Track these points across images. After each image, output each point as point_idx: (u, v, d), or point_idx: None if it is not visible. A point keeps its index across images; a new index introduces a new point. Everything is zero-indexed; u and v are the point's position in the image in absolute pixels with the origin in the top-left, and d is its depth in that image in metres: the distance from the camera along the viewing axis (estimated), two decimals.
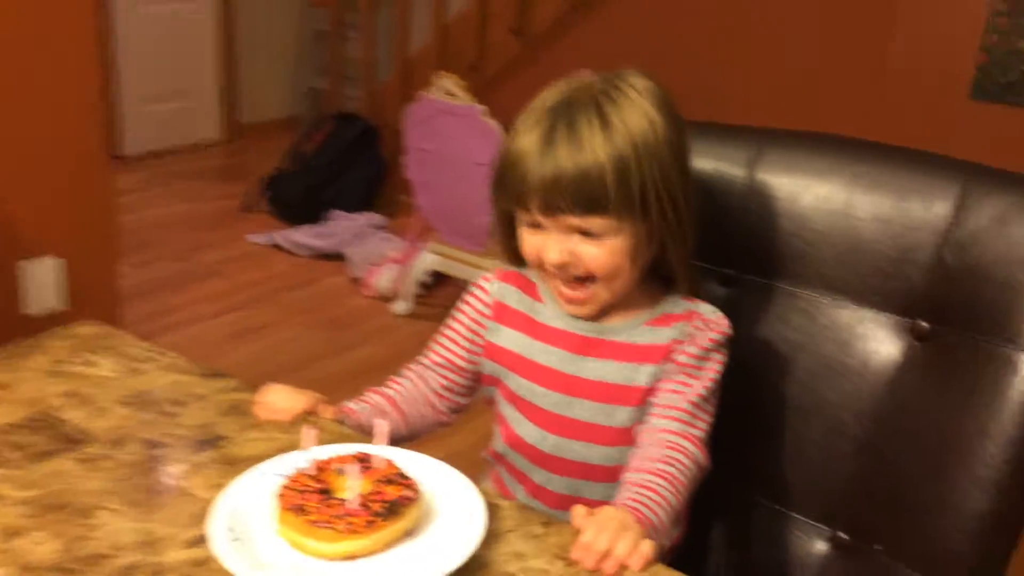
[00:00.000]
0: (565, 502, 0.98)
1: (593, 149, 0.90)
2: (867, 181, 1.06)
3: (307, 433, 0.77)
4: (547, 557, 0.75)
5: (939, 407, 1.00)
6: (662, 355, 0.98)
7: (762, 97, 2.98)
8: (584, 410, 1.00)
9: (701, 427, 0.96)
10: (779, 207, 1.10)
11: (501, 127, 2.69)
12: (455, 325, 1.08)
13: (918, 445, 1.00)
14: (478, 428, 1.24)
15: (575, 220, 0.92)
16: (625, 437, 0.99)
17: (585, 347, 1.00)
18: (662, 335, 0.99)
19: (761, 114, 1.08)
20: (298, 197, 3.74)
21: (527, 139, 0.93)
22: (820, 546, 1.07)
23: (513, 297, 1.05)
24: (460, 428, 1.17)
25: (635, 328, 1.00)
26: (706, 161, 1.12)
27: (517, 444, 1.04)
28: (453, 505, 0.79)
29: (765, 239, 1.11)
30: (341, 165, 3.82)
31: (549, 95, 0.96)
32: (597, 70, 0.98)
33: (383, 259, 3.23)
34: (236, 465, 0.85)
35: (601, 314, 1.00)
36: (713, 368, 0.98)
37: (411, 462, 0.83)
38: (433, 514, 0.78)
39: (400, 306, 3.06)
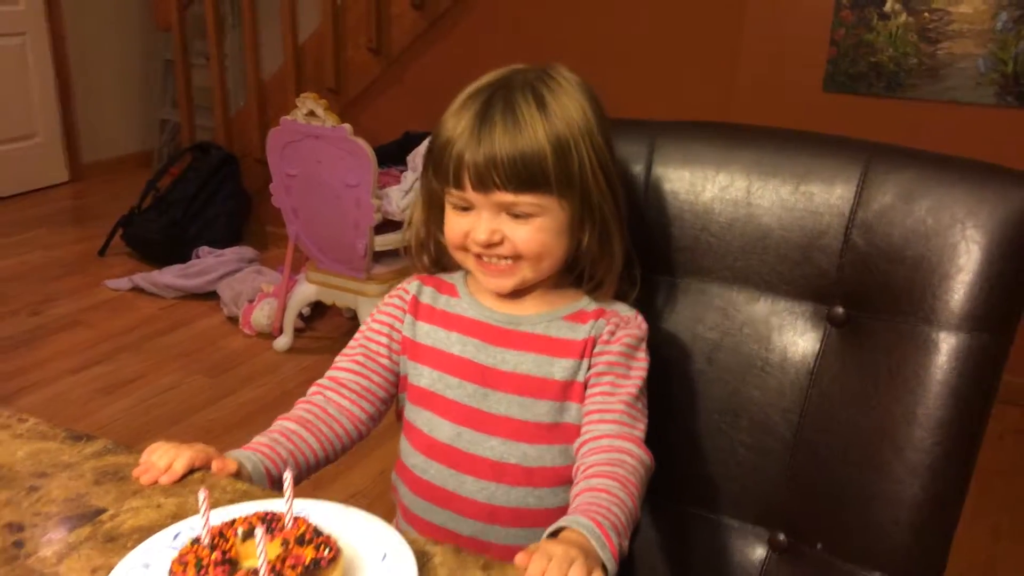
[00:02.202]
0: (481, 512, 0.97)
1: (532, 128, 0.90)
2: (765, 167, 1.04)
3: (201, 497, 0.66)
4: None
5: (863, 395, 0.97)
6: (579, 351, 0.97)
7: (613, 95, 2.99)
8: (500, 403, 0.97)
9: (639, 427, 0.93)
10: (680, 200, 1.07)
11: (370, 147, 2.60)
12: (374, 324, 1.04)
13: (847, 436, 0.98)
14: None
15: (508, 197, 0.91)
16: (544, 434, 0.97)
17: (501, 337, 0.99)
18: (579, 331, 0.98)
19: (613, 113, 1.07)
20: (159, 236, 3.53)
21: (463, 118, 0.92)
22: (759, 551, 1.04)
23: (429, 295, 1.04)
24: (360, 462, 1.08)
25: (552, 322, 0.99)
26: None
27: (430, 448, 1.00)
28: (378, 560, 0.70)
29: (670, 236, 1.07)
30: (202, 199, 3.63)
31: (482, 80, 0.96)
32: (527, 63, 0.99)
33: (258, 294, 3.07)
34: (118, 541, 0.73)
35: (519, 297, 0.99)
36: (640, 366, 0.97)
37: (324, 514, 0.74)
38: (357, 573, 0.69)
39: (281, 342, 2.91)
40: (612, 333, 0.97)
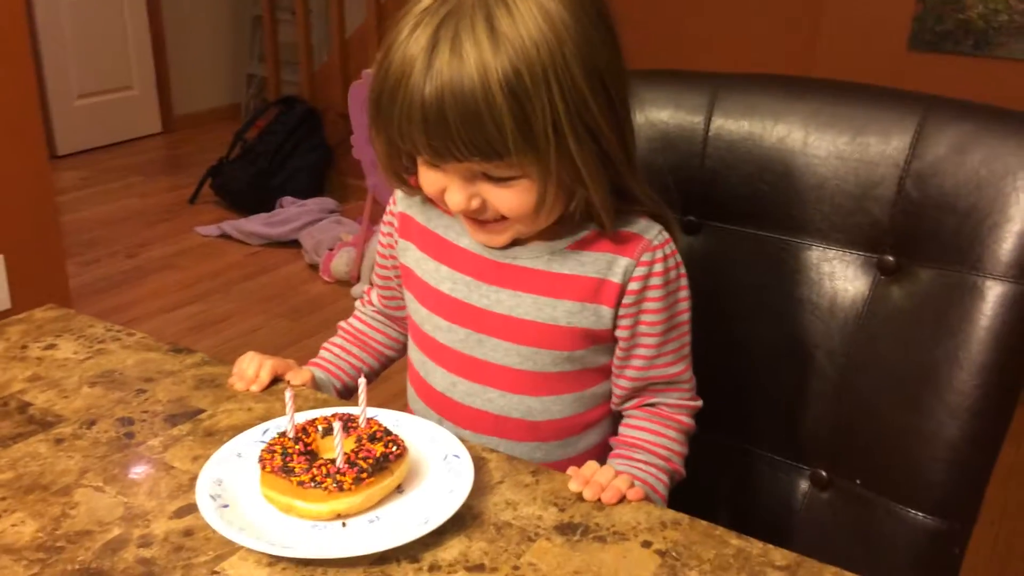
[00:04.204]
0: None
1: (480, 71, 0.71)
2: (823, 119, 1.07)
3: (288, 397, 0.75)
4: (540, 503, 0.74)
5: (909, 339, 1.01)
6: (589, 292, 0.85)
7: (691, 51, 2.97)
8: (497, 351, 0.87)
9: (684, 385, 0.95)
10: (738, 151, 1.10)
11: None
12: (380, 248, 1.00)
13: (891, 378, 1.02)
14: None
15: (475, 165, 0.77)
16: (550, 386, 0.88)
17: (495, 274, 0.87)
18: (587, 264, 0.85)
19: (693, 66, 1.10)
20: (245, 186, 3.68)
21: (408, 51, 0.73)
22: (801, 485, 1.08)
23: (419, 208, 0.92)
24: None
25: (555, 253, 0.86)
26: (662, 109, 1.13)
27: (427, 393, 0.94)
28: (439, 460, 0.78)
29: (727, 184, 1.11)
30: (287, 151, 3.76)
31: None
32: None
33: (338, 243, 3.20)
34: (215, 436, 0.83)
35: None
36: (682, 308, 0.90)
37: (393, 420, 0.82)
38: (421, 469, 0.77)
39: (359, 289, 3.03)
40: (644, 279, 0.85)
